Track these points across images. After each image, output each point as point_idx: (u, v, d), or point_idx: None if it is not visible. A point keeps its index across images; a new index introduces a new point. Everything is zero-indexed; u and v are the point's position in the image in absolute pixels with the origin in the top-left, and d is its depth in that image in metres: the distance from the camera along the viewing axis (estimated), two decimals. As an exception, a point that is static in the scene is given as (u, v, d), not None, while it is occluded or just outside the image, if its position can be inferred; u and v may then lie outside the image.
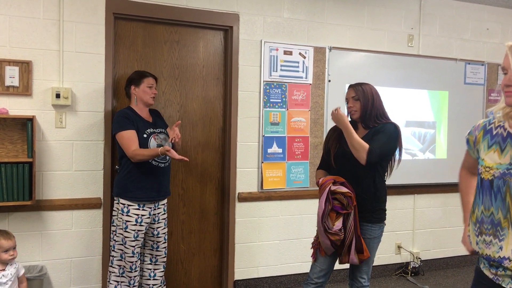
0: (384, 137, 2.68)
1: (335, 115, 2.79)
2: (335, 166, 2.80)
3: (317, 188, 4.12)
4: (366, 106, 2.77)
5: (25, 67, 3.25)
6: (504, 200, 1.57)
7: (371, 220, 2.75)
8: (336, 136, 2.88)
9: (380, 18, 4.37)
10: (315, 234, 2.86)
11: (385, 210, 2.83)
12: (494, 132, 1.67)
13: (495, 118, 1.68)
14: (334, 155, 2.82)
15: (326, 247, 2.69)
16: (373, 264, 4.49)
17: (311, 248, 2.87)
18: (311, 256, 2.86)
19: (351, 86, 2.87)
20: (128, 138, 3.04)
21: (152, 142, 3.12)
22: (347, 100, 2.86)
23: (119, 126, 3.08)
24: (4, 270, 2.81)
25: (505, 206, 1.57)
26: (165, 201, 3.31)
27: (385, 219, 2.83)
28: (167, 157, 3.19)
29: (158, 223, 3.24)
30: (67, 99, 3.33)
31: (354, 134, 2.68)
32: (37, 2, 3.28)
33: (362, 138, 2.71)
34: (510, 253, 1.55)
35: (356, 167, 2.68)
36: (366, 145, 2.63)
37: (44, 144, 3.33)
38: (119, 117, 3.10)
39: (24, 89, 3.26)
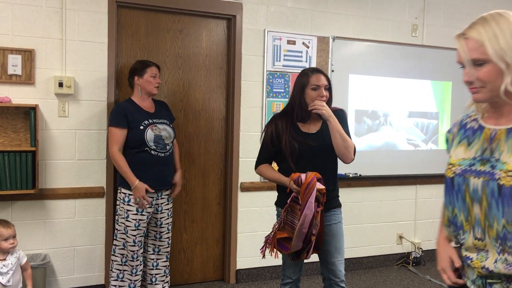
0: (347, 128, 2.59)
1: (327, 109, 2.47)
2: (297, 163, 2.51)
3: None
4: (332, 97, 2.61)
5: (28, 56, 3.24)
6: (464, 200, 1.44)
7: (335, 205, 2.63)
8: (286, 130, 2.56)
9: (384, 8, 4.34)
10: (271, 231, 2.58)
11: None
12: (468, 126, 1.51)
13: (474, 111, 1.52)
14: (298, 152, 2.51)
15: (296, 248, 2.44)
16: (375, 254, 4.54)
17: (264, 244, 2.56)
18: (261, 252, 2.56)
19: (320, 72, 2.58)
20: (114, 135, 3.10)
21: (149, 133, 3.11)
22: (316, 87, 2.52)
23: (110, 121, 3.14)
24: (4, 260, 2.82)
25: (465, 207, 1.44)
26: (169, 191, 3.32)
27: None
28: (167, 147, 3.19)
29: (161, 213, 3.25)
30: (69, 88, 3.32)
31: (343, 131, 2.49)
32: (40, -10, 3.26)
33: (322, 130, 2.57)
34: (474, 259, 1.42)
35: (322, 161, 2.53)
36: (353, 143, 2.54)
37: (47, 133, 3.33)
38: (113, 112, 3.16)
39: (27, 78, 3.25)
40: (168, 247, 3.36)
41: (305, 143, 2.52)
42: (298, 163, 2.51)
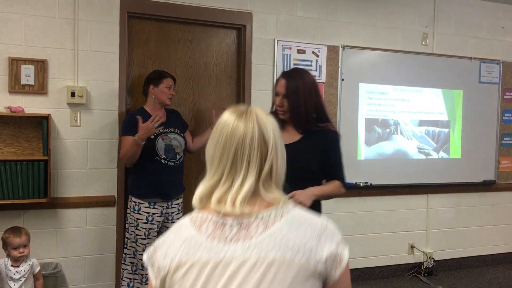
0: (339, 155, 2.28)
1: (304, 199, 2.07)
2: None
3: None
4: (299, 107, 2.17)
5: (41, 66, 3.28)
6: None
7: None
8: None
9: (394, 17, 4.34)
10: None
11: None
12: None
13: None
14: None
15: None
16: (386, 264, 4.50)
17: None
18: None
19: (283, 76, 2.24)
20: (124, 144, 3.13)
21: (160, 143, 3.13)
22: (276, 93, 2.23)
23: (122, 130, 3.19)
24: (18, 266, 2.84)
25: None
26: (180, 200, 3.32)
27: None
28: (177, 156, 3.20)
29: (172, 222, 3.26)
30: (82, 97, 3.35)
31: (325, 190, 2.21)
32: (53, 1, 3.31)
33: (297, 143, 2.20)
34: None
35: (301, 174, 2.13)
36: (337, 184, 2.24)
37: (59, 142, 3.36)
38: (124, 121, 3.21)
39: (40, 88, 3.29)
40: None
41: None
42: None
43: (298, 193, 2.05)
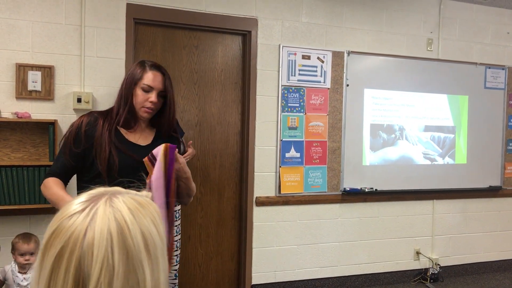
0: None
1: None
2: (113, 179, 1.84)
3: (337, 193, 4.11)
4: (171, 109, 1.97)
5: (48, 72, 3.30)
6: None
7: None
8: (106, 133, 1.90)
9: (399, 22, 4.35)
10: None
11: None
12: None
13: None
14: (119, 166, 1.88)
15: None
16: (392, 270, 4.48)
17: None
18: None
19: (159, 70, 1.93)
20: None
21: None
22: (148, 88, 1.89)
23: None
24: (25, 273, 2.84)
25: None
26: (178, 207, 3.32)
27: None
28: None
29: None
30: (88, 103, 3.37)
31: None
32: (59, 8, 3.34)
33: (151, 145, 1.93)
34: None
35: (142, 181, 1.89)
36: (193, 188, 1.96)
37: (65, 147, 3.37)
38: None
39: (46, 94, 3.31)
40: (176, 264, 3.35)
41: (130, 156, 1.89)
42: (113, 180, 1.84)
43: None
